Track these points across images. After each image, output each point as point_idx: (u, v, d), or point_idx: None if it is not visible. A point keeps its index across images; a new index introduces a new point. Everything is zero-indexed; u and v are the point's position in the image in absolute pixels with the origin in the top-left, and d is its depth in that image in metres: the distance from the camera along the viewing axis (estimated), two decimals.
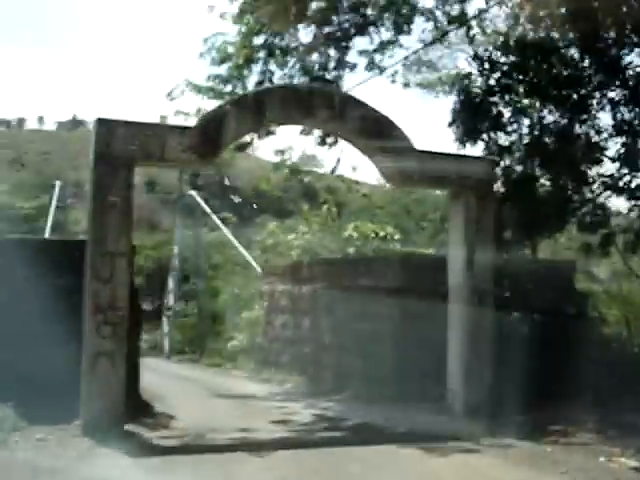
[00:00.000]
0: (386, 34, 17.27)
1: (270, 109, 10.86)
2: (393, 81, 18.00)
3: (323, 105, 11.06)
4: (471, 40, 17.15)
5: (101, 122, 10.22)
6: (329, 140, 18.56)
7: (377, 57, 16.84)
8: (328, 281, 16.66)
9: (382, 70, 17.06)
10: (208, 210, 34.57)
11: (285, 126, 12.80)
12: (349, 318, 15.32)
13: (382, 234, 23.92)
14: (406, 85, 20.14)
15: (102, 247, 10.00)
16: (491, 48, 16.29)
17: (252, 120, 10.80)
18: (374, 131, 11.36)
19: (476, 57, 16.69)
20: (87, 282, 9.97)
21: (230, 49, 16.35)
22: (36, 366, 10.12)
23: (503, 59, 15.82)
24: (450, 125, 15.53)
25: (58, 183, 33.25)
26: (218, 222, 34.16)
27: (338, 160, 17.24)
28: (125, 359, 10.19)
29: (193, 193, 35.60)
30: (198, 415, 12.38)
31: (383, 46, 17.19)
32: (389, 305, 13.72)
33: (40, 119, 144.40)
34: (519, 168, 15.67)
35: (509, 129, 15.86)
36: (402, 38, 16.69)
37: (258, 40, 16.58)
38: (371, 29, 17.40)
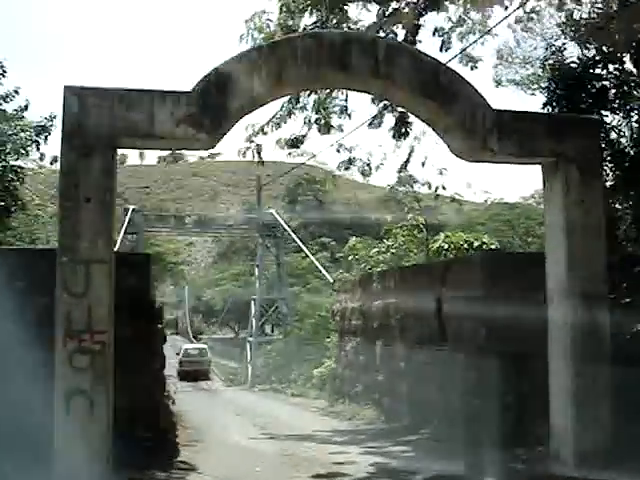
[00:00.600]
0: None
1: (292, 65, 8.25)
2: (474, 67, 15.33)
3: (363, 56, 8.35)
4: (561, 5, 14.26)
5: (69, 90, 7.92)
6: (402, 130, 16.06)
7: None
8: (401, 293, 13.78)
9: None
10: (288, 229, 32.42)
11: (313, 88, 10.16)
12: (427, 338, 12.37)
13: (477, 244, 20.76)
14: (498, 83, 17.83)
15: (74, 254, 7.66)
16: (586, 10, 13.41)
17: (269, 80, 8.19)
18: (434, 88, 8.53)
19: (570, 22, 13.73)
20: (57, 299, 7.64)
21: (273, 27, 14.05)
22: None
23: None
24: (544, 106, 12.57)
25: (131, 208, 32.26)
26: (298, 241, 31.93)
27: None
28: (112, 397, 7.80)
29: (273, 211, 33.59)
30: (226, 466, 9.78)
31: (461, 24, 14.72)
32: (476, 319, 10.70)
33: (141, 154, 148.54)
34: (632, 152, 12.57)
35: (616, 105, 12.78)
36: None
37: (305, 20, 14.28)
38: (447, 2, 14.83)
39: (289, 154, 17.99)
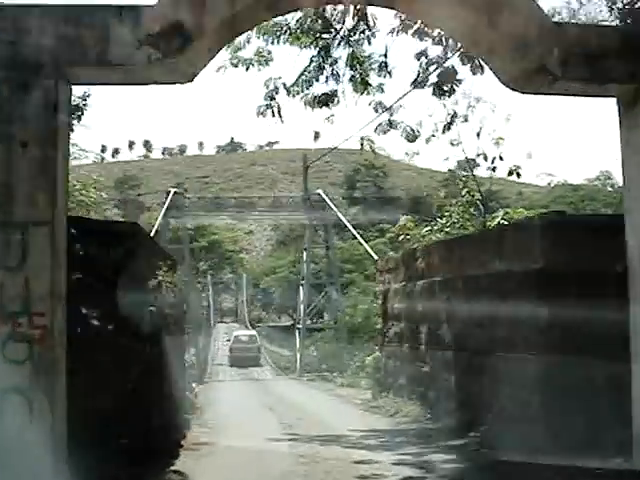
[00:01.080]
0: None
1: None
2: None
3: None
4: None
5: (4, 11, 6.23)
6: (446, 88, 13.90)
7: None
8: (449, 270, 11.73)
9: None
10: (335, 209, 30.52)
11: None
12: (478, 322, 10.31)
13: None
14: None
15: (5, 215, 5.98)
16: None
17: None
18: None
19: None
20: None
21: None
22: None
23: None
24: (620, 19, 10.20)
25: (173, 190, 30.93)
26: (346, 223, 29.99)
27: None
28: (62, 397, 6.12)
29: (320, 192, 31.73)
30: (225, 477, 8.02)
31: None
32: (538, 298, 8.61)
33: (200, 144, 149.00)
34: None
35: None
36: None
37: None
38: None
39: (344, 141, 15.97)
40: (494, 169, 21.97)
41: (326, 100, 13.41)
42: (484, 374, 10.07)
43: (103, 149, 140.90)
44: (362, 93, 13.95)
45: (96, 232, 7.98)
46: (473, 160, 20.82)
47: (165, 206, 29.29)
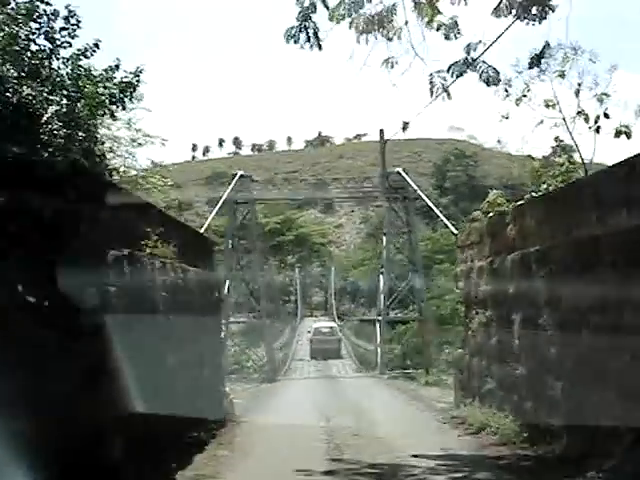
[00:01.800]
0: None
1: None
2: None
3: None
4: None
5: None
6: None
7: None
8: (551, 235, 8.35)
9: None
10: (416, 188, 27.14)
11: None
12: (598, 305, 6.94)
13: None
14: None
15: None
16: None
17: None
18: None
19: None
20: None
21: None
22: None
23: None
24: None
25: (239, 173, 28.50)
26: (429, 203, 26.54)
27: None
28: None
29: (400, 170, 28.39)
30: None
31: None
32: None
33: (288, 140, 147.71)
34: None
35: None
36: None
37: None
38: None
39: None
40: (598, 129, 17.60)
41: (381, 22, 10.25)
42: (608, 381, 6.71)
43: (194, 148, 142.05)
44: (430, 20, 10.64)
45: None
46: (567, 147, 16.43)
47: (228, 189, 26.68)
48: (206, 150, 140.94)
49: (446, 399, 16.42)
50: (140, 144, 24.06)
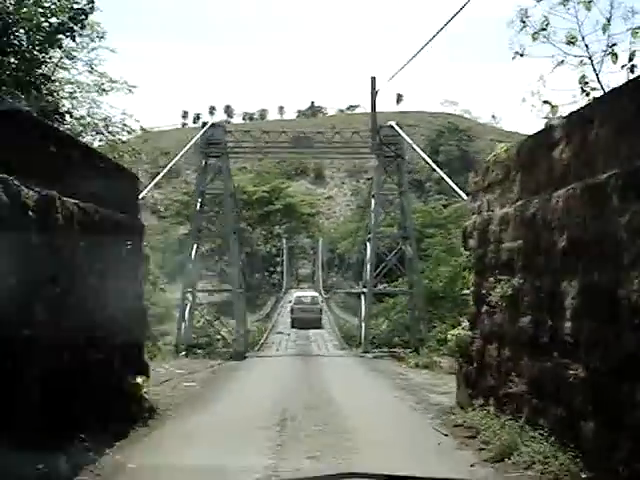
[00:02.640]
0: None
1: None
2: None
3: None
4: None
5: None
6: None
7: None
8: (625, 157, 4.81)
9: None
10: (410, 141, 23.49)
11: None
12: None
13: None
14: None
15: None
16: None
17: None
18: None
19: None
20: None
21: None
22: None
23: None
24: None
25: (210, 122, 24.50)
26: (426, 158, 22.91)
27: None
28: None
29: (393, 124, 24.71)
30: None
31: None
32: None
33: (280, 109, 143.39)
34: None
35: None
36: None
37: None
38: None
39: None
40: (632, 69, 13.57)
41: None
42: None
43: (185, 115, 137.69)
44: None
45: None
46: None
47: (198, 135, 22.60)
48: (197, 118, 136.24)
49: (442, 388, 13.08)
50: (105, 90, 20.21)
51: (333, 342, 30.99)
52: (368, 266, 24.38)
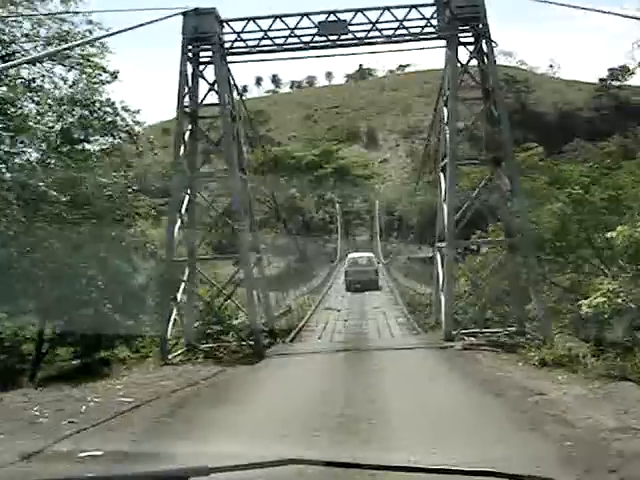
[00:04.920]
0: None
1: None
2: None
3: None
4: None
5: None
6: None
7: None
8: None
9: None
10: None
11: None
12: None
13: None
14: None
15: None
16: None
17: None
18: None
19: None
20: None
21: None
22: None
23: None
24: None
25: (193, 7, 15.98)
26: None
27: None
28: None
29: None
30: None
31: None
32: None
33: (328, 75, 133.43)
34: None
35: None
36: None
37: None
38: None
39: None
40: None
41: None
42: None
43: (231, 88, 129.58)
44: None
45: None
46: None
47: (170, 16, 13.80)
48: (244, 90, 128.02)
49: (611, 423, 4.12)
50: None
51: (398, 320, 22.06)
52: (445, 209, 15.22)
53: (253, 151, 25.01)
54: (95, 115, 17.27)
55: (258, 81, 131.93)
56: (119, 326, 16.03)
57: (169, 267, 15.51)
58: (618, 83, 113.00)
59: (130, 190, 16.49)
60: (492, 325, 16.54)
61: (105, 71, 19.16)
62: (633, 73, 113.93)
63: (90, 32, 15.80)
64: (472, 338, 15.16)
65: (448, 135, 15.35)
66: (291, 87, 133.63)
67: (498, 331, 15.60)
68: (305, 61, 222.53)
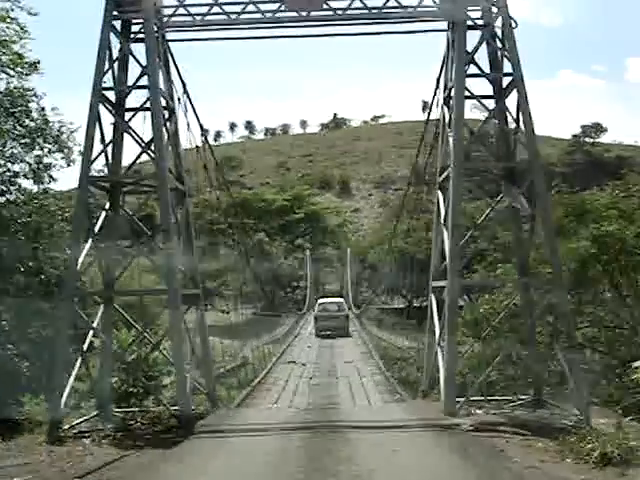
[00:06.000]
0: None
1: None
2: None
3: None
4: None
5: None
6: None
7: None
8: None
9: None
10: None
11: None
12: None
13: None
14: None
15: None
16: None
17: None
18: None
19: None
20: None
21: None
22: None
23: None
24: None
25: None
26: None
27: None
28: None
29: None
30: None
31: None
32: None
33: (303, 123, 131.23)
34: None
35: None
36: None
37: None
38: None
39: None
40: None
41: None
42: None
43: (204, 132, 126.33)
44: None
45: None
46: None
47: None
48: (217, 135, 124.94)
49: None
50: None
51: (375, 377, 17.69)
52: (446, 234, 11.15)
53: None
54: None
55: (232, 127, 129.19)
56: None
57: (67, 303, 11.02)
58: (591, 140, 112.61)
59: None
60: (496, 391, 12.44)
61: (21, 58, 15.19)
62: (605, 130, 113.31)
63: None
64: (478, 411, 10.94)
65: (452, 141, 11.39)
66: (265, 134, 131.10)
67: (510, 399, 11.44)
68: (280, 108, 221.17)
